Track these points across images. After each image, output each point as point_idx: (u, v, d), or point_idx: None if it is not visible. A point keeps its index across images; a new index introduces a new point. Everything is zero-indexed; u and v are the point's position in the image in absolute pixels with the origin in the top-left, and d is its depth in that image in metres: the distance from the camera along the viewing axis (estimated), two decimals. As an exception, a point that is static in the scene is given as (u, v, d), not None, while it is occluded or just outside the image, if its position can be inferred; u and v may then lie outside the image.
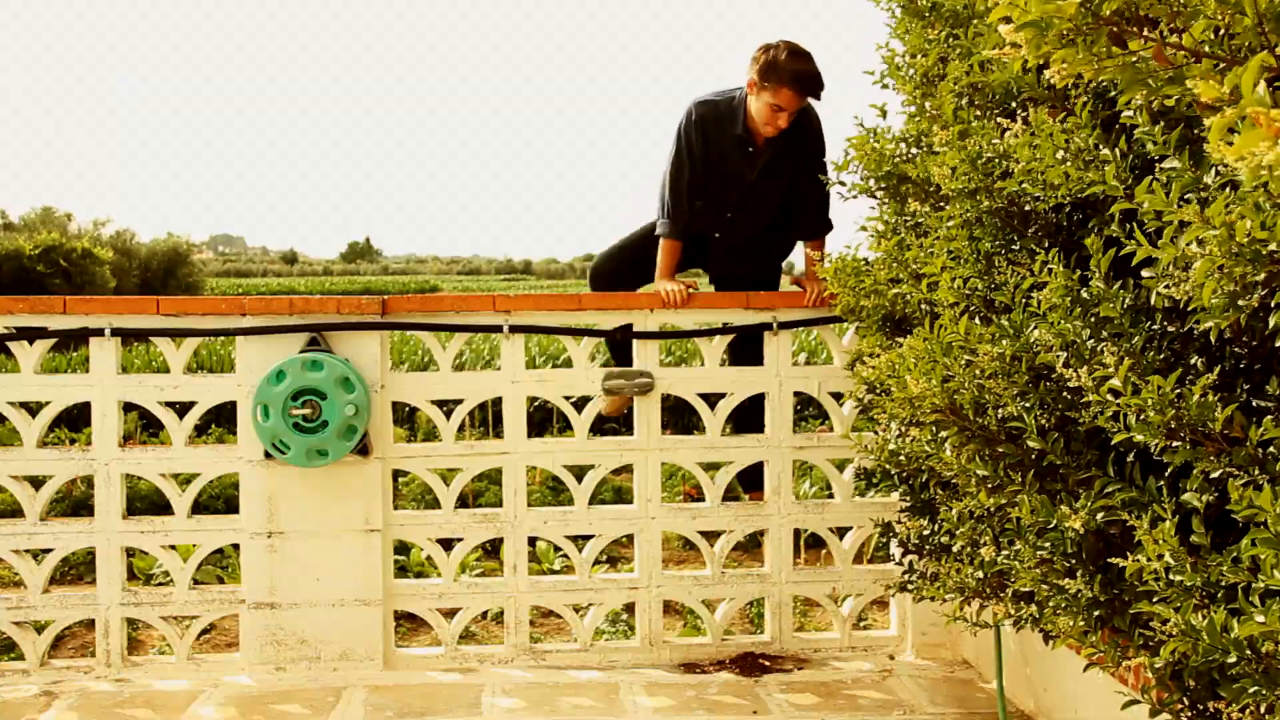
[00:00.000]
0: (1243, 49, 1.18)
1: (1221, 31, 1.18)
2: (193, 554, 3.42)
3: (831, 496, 3.61)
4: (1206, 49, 1.17)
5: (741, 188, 3.54)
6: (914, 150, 2.59)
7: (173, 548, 3.44)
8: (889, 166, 2.62)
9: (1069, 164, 1.75)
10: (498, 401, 3.54)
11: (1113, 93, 1.74)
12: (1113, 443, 1.64)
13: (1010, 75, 2.09)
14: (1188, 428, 1.47)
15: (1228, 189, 1.40)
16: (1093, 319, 1.72)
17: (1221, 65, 1.18)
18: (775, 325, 3.46)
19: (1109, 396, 1.56)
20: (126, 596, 3.36)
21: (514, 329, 3.43)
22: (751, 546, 4.90)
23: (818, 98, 3.34)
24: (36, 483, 3.41)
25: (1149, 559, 1.50)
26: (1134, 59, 1.22)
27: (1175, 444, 1.50)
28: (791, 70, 3.24)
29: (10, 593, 3.43)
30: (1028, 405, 1.87)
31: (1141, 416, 1.51)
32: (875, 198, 2.84)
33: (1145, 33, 1.21)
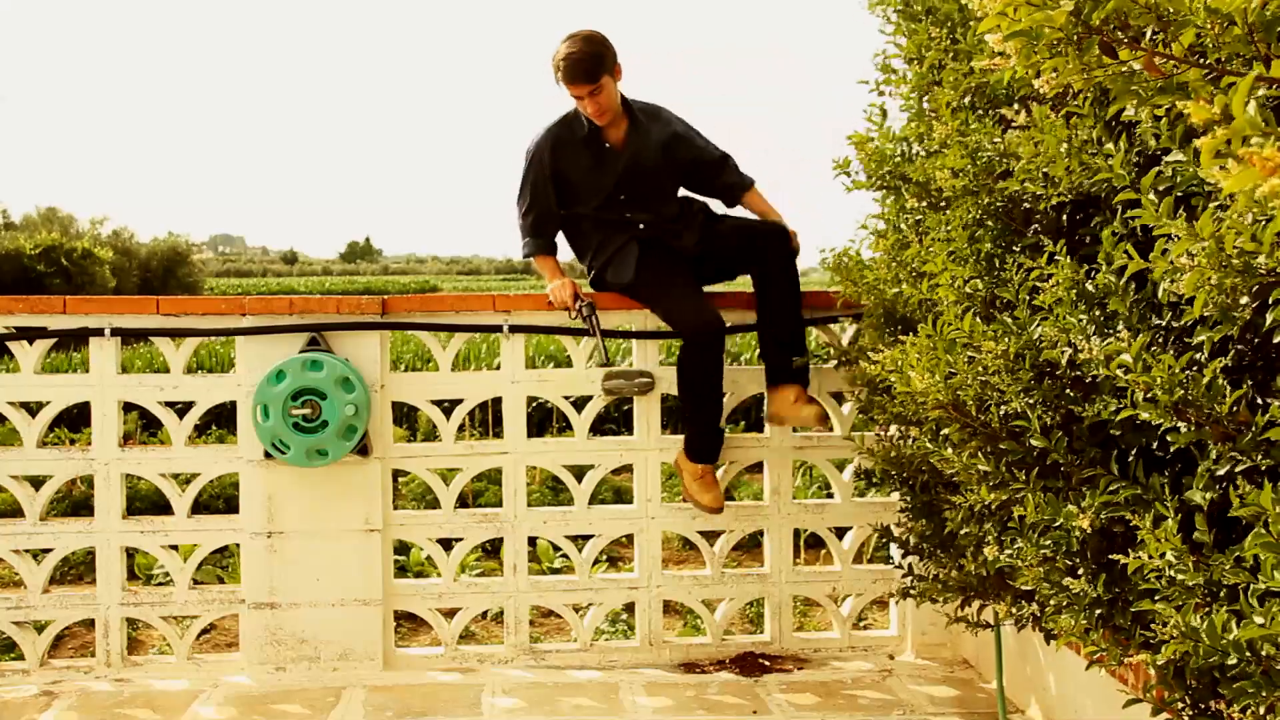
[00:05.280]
0: (1233, 59, 1.18)
1: (1211, 42, 1.17)
2: (193, 554, 3.42)
3: (831, 496, 3.61)
4: (1194, 58, 1.16)
5: (620, 181, 3.40)
6: (915, 150, 2.59)
7: (173, 548, 3.44)
8: (889, 166, 2.61)
9: (1072, 158, 1.74)
10: (498, 401, 3.54)
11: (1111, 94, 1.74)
12: (1117, 420, 1.63)
13: (1008, 76, 2.09)
14: (1194, 408, 1.47)
15: (1215, 203, 1.40)
16: (1098, 313, 1.72)
17: (1211, 75, 1.18)
18: (775, 325, 3.45)
19: (1119, 372, 1.55)
20: (126, 596, 3.36)
21: (514, 329, 3.43)
22: (751, 546, 4.90)
23: (584, 81, 3.19)
24: (36, 483, 3.42)
25: (1151, 556, 1.50)
26: (1124, 69, 1.21)
27: (1181, 425, 1.49)
28: (558, 57, 3.20)
29: (10, 593, 3.43)
30: (1031, 402, 1.87)
31: (1149, 395, 1.51)
32: (875, 190, 2.83)
33: (1135, 42, 1.20)
